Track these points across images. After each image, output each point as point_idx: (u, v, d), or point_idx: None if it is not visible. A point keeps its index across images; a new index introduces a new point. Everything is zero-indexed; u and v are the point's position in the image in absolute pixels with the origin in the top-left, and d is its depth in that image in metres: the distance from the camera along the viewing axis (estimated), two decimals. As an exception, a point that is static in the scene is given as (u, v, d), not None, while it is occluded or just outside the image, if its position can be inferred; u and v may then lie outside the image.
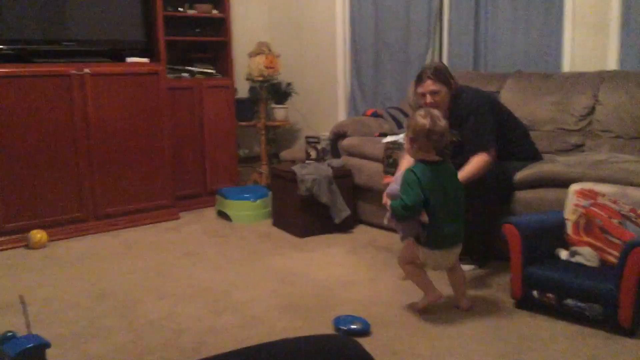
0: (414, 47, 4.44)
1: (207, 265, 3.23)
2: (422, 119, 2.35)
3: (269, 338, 2.35)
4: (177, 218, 4.15)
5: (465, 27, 4.11)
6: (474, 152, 2.90)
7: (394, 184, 2.53)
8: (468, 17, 4.07)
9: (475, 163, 2.87)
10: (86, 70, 3.71)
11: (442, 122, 2.36)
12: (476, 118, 2.94)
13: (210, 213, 4.31)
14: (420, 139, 2.34)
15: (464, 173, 2.81)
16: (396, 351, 2.23)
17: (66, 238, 3.69)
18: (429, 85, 2.94)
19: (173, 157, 4.15)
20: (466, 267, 3.01)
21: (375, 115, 4.24)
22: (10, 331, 1.96)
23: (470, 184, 2.87)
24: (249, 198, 4.11)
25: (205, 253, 3.44)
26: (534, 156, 3.18)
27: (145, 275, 3.08)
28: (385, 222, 2.62)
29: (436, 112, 2.41)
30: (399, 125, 4.08)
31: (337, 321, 2.40)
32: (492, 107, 3.04)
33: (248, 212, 4.09)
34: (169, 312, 2.61)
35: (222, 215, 4.18)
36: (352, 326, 2.36)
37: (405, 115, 4.16)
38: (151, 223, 4.02)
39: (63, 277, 3.07)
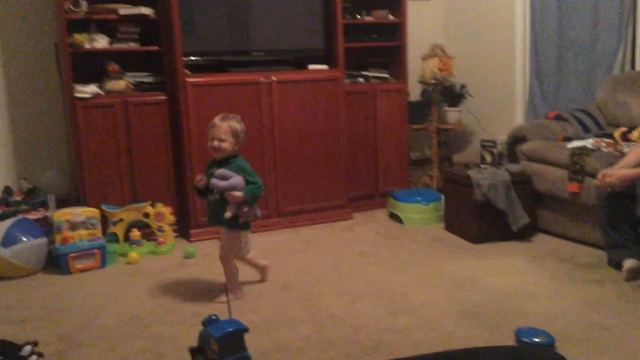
0: (602, 45, 4.11)
1: (381, 266, 3.31)
2: (241, 124, 2.85)
3: (448, 344, 2.37)
4: (351, 218, 4.30)
5: (666, 20, 3.72)
6: None
7: (218, 180, 2.73)
8: (670, 9, 3.69)
9: None
10: (273, 77, 3.99)
11: None
12: None
13: (381, 214, 4.40)
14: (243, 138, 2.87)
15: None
16: (585, 370, 2.11)
17: (253, 232, 4.00)
18: None
19: (348, 159, 4.31)
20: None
21: (559, 118, 4.00)
22: (214, 314, 2.13)
23: None
24: (420, 201, 4.13)
25: (379, 253, 3.53)
26: None
27: (324, 271, 3.24)
28: (228, 215, 2.73)
29: None
30: (586, 129, 3.81)
31: (519, 333, 2.33)
32: None
33: (420, 215, 4.10)
34: (348, 309, 2.73)
35: (394, 217, 4.24)
36: (536, 339, 2.27)
37: (592, 118, 3.88)
38: (327, 222, 4.21)
39: (252, 269, 3.33)
